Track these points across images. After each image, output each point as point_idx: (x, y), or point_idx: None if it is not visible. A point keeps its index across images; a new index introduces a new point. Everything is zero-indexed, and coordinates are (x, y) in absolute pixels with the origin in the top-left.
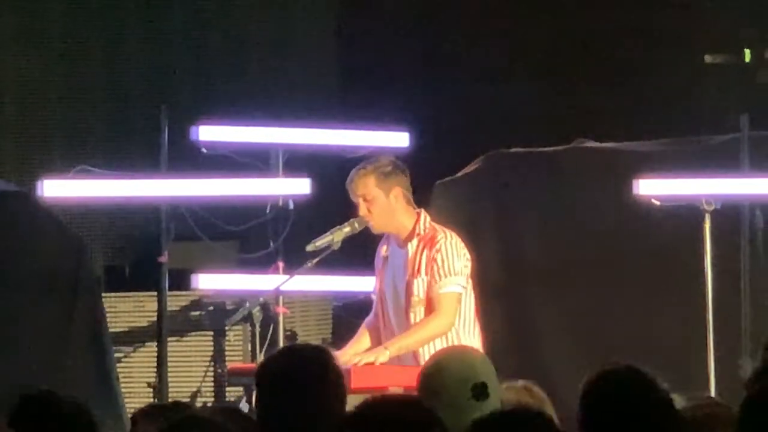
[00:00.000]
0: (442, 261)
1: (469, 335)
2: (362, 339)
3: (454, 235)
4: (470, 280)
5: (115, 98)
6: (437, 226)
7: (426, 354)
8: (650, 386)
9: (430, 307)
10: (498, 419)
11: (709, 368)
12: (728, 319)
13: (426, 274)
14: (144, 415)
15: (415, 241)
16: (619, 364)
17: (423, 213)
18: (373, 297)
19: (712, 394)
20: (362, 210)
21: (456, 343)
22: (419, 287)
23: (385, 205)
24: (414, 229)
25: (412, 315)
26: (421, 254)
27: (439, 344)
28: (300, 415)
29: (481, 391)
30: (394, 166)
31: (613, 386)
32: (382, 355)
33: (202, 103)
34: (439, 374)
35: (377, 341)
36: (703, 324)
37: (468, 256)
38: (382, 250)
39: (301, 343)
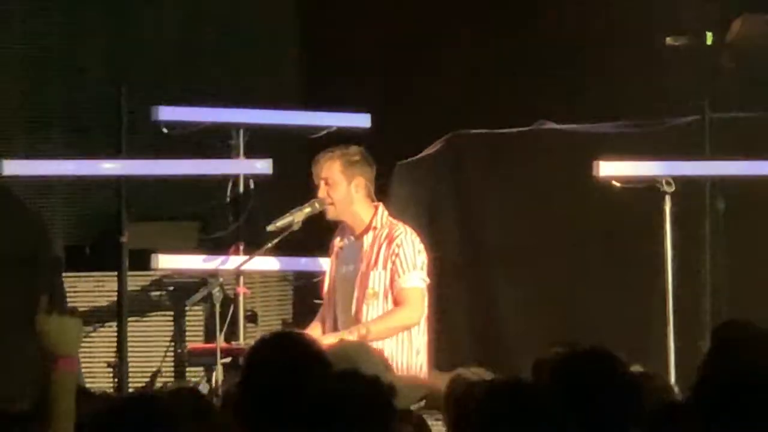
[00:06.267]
0: (404, 255)
1: (420, 333)
2: (315, 327)
3: (411, 230)
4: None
5: (74, 78)
6: (394, 221)
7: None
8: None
9: (387, 301)
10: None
11: (669, 347)
12: (689, 300)
13: (384, 268)
14: None
15: (371, 234)
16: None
17: (381, 207)
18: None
19: (672, 372)
20: (321, 193)
21: (406, 339)
22: (375, 280)
23: (344, 193)
24: (371, 222)
25: (365, 307)
26: (379, 247)
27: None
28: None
29: None
30: (362, 157)
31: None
32: (348, 337)
33: (162, 83)
34: None
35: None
36: (663, 304)
37: (425, 252)
38: (336, 241)
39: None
